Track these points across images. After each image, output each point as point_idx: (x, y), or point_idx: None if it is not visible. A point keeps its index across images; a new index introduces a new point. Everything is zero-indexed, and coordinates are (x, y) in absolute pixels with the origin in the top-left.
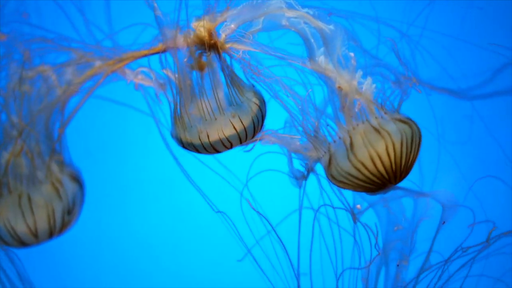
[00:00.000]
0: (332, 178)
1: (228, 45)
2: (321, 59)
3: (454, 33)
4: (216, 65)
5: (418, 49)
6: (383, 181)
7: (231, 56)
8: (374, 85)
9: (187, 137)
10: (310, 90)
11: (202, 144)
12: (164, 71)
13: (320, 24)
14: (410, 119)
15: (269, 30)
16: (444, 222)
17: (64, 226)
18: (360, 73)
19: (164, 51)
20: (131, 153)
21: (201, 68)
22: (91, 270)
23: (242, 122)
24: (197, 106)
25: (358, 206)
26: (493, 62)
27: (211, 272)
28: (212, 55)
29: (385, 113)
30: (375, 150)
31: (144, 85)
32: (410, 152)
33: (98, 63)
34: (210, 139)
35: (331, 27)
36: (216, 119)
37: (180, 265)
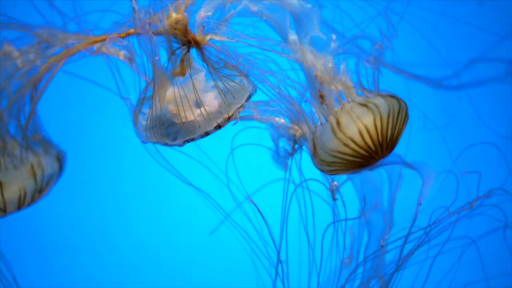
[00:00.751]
0: (321, 162)
1: (207, 38)
2: (296, 44)
3: (441, 9)
4: (201, 66)
5: (402, 24)
6: (370, 153)
7: (213, 50)
8: (349, 72)
9: (161, 141)
10: (279, 79)
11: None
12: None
13: (296, 3)
14: (396, 95)
15: (242, 16)
16: (420, 203)
17: (33, 201)
18: (332, 57)
19: (131, 35)
20: (103, 132)
21: (182, 72)
22: (65, 244)
23: (228, 115)
24: (179, 114)
25: (335, 182)
26: (483, 40)
27: (189, 247)
28: (195, 54)
29: (369, 93)
30: (363, 123)
31: (110, 54)
32: (396, 124)
33: (63, 47)
34: (189, 139)
35: (308, 6)
36: (200, 126)
37: (160, 244)
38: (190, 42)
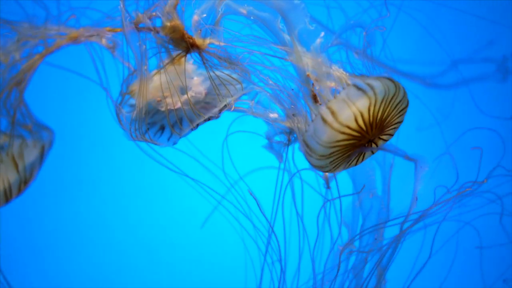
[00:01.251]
0: (320, 157)
1: (206, 41)
2: (289, 43)
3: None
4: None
5: (400, 15)
6: (361, 133)
7: (212, 53)
8: (342, 64)
9: (147, 138)
10: (267, 77)
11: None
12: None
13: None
14: (392, 78)
15: (236, 15)
16: (416, 198)
17: (20, 191)
18: (323, 52)
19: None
20: (93, 124)
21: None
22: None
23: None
24: (163, 100)
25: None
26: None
27: (183, 236)
28: (194, 56)
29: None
30: (356, 106)
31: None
32: (388, 105)
33: (45, 42)
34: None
35: (296, 2)
36: (192, 126)
37: (154, 233)
38: (188, 48)
